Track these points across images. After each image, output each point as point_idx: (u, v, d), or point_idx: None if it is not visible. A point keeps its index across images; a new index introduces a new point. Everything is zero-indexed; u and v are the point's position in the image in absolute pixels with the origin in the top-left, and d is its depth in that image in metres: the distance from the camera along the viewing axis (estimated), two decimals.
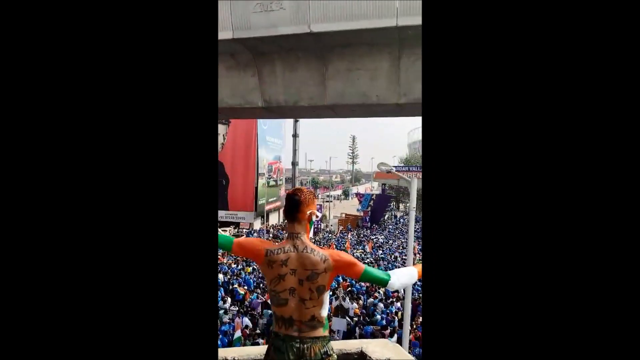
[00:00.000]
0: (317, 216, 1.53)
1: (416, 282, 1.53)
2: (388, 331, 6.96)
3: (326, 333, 1.48)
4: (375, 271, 1.50)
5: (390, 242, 19.59)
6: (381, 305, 8.46)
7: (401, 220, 29.77)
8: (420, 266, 1.51)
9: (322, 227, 22.85)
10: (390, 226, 26.43)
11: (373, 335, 6.55)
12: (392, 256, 15.37)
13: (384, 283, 1.46)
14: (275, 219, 26.58)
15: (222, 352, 1.76)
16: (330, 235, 21.92)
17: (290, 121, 22.58)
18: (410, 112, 7.85)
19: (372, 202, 26.20)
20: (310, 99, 6.69)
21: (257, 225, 22.99)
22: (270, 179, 24.49)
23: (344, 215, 27.18)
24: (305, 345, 1.42)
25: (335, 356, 1.46)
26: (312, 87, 6.60)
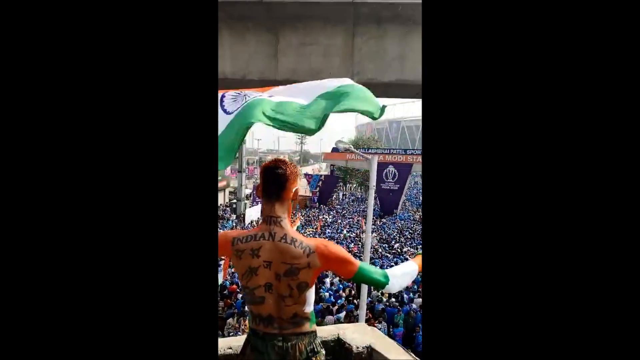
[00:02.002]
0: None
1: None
2: (336, 307, 7.10)
3: (313, 328, 1.24)
4: (372, 271, 1.23)
5: (339, 221, 19.98)
6: (327, 281, 8.61)
7: (344, 200, 30.49)
8: (419, 259, 1.30)
9: None
10: (338, 206, 26.98)
11: (321, 313, 6.64)
12: (342, 235, 15.71)
13: (380, 286, 1.21)
14: (220, 198, 25.80)
15: (223, 342, 1.58)
16: None
17: None
18: None
19: (320, 182, 26.43)
20: (260, 73, 6.38)
21: None
22: None
23: None
24: (289, 344, 1.19)
25: (324, 352, 1.24)
26: (262, 60, 6.29)
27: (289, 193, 1.23)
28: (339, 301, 7.48)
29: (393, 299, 7.70)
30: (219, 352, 1.57)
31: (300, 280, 1.16)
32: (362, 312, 4.11)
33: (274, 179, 1.21)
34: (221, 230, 1.29)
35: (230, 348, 1.55)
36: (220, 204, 24.34)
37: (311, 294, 1.22)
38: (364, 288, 3.98)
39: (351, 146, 5.73)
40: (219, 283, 7.56)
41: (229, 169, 26.38)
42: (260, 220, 1.25)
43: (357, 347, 1.50)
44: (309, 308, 1.22)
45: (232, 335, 5.21)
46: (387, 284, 1.20)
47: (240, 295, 7.11)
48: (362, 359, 1.50)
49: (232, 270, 8.49)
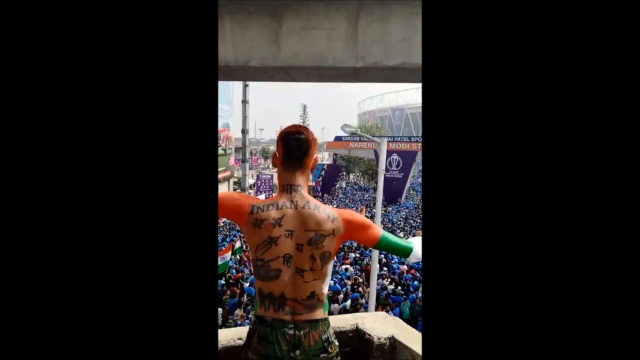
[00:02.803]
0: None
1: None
2: (341, 295, 7.08)
3: (326, 315, 1.15)
4: (396, 237, 1.18)
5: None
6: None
7: (347, 189, 30.34)
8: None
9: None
10: (342, 195, 26.90)
11: (329, 299, 6.63)
12: None
13: (407, 253, 1.15)
14: (225, 188, 25.80)
15: (233, 331, 1.48)
16: None
17: (239, 86, 21.40)
18: (366, 77, 7.69)
19: (323, 172, 26.31)
20: (262, 59, 6.24)
21: None
22: (219, 147, 23.49)
23: None
24: (301, 332, 1.07)
25: (337, 343, 1.13)
26: (264, 46, 6.14)
27: (310, 160, 1.18)
28: (343, 290, 7.45)
29: (399, 288, 7.68)
30: (229, 343, 1.48)
31: (325, 249, 1.10)
32: (372, 299, 4.06)
33: (296, 145, 1.15)
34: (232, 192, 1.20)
35: (241, 338, 1.46)
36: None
37: (330, 269, 1.13)
38: (374, 275, 3.91)
39: (358, 129, 5.62)
40: (227, 262, 7.41)
41: (232, 158, 26.32)
42: (280, 189, 1.16)
43: (379, 338, 1.39)
44: (326, 288, 1.13)
45: (241, 326, 5.18)
46: (412, 250, 1.15)
47: (247, 284, 7.05)
48: (384, 351, 1.38)
49: (233, 263, 8.40)
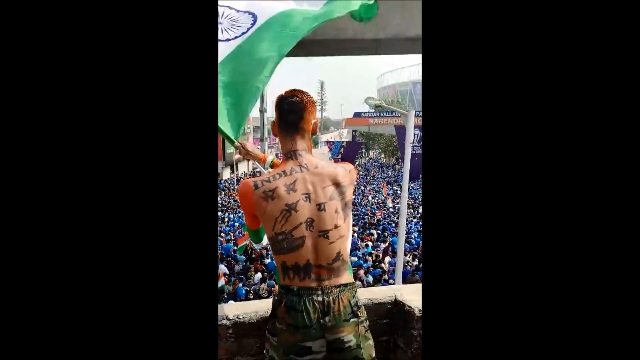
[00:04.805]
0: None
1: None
2: (362, 271, 7.13)
3: (352, 278, 1.11)
4: None
5: (362, 188, 19.87)
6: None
7: (368, 165, 30.13)
8: None
9: None
10: (362, 173, 26.80)
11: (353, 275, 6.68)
12: (367, 201, 15.65)
13: None
14: (244, 167, 26.09)
15: (226, 308, 1.48)
16: None
17: None
18: (387, 49, 7.44)
19: (342, 149, 26.15)
20: None
21: (226, 174, 22.46)
22: None
23: None
24: (330, 298, 1.04)
25: (363, 307, 1.11)
26: None
27: (308, 124, 1.11)
28: (364, 265, 7.50)
29: (411, 258, 7.66)
30: (266, 314, 1.48)
31: (348, 199, 1.10)
32: (399, 274, 4.05)
33: (290, 109, 1.10)
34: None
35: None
36: (245, 173, 24.64)
37: (351, 223, 1.14)
38: (400, 249, 3.88)
39: (383, 102, 5.46)
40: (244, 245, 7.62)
41: (251, 138, 26.42)
42: (283, 157, 1.13)
43: (420, 310, 1.38)
44: (349, 246, 1.12)
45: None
46: None
47: (268, 259, 7.20)
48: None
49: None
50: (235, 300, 5.61)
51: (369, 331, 1.10)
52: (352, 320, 1.05)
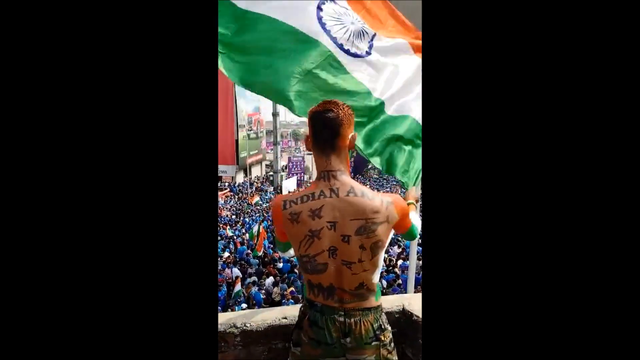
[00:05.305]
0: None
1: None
2: None
3: (379, 302, 1.07)
4: (416, 225, 1.12)
5: (375, 190, 19.73)
6: None
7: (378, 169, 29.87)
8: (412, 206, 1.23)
9: (305, 180, 22.74)
10: (375, 176, 26.61)
11: None
12: None
13: (414, 238, 1.16)
14: (257, 171, 26.24)
15: (279, 310, 1.50)
16: None
17: None
18: None
19: (353, 158, 25.99)
20: None
21: (240, 178, 22.63)
22: (250, 131, 23.76)
23: None
24: (352, 320, 1.01)
25: (390, 329, 1.08)
26: None
27: (345, 140, 1.02)
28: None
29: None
30: (274, 322, 1.49)
31: (377, 239, 0.99)
32: (411, 280, 3.96)
33: (324, 125, 1.00)
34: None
35: (285, 318, 1.47)
36: (258, 176, 24.79)
37: (382, 258, 1.05)
38: (413, 254, 3.80)
39: None
40: (258, 254, 7.67)
41: (264, 141, 26.57)
42: (315, 177, 1.06)
43: None
44: (377, 277, 1.05)
45: (285, 305, 5.29)
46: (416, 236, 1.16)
47: (281, 264, 7.19)
48: None
49: (268, 243, 8.57)
50: (249, 305, 5.61)
51: (393, 353, 1.08)
52: (373, 343, 1.03)
